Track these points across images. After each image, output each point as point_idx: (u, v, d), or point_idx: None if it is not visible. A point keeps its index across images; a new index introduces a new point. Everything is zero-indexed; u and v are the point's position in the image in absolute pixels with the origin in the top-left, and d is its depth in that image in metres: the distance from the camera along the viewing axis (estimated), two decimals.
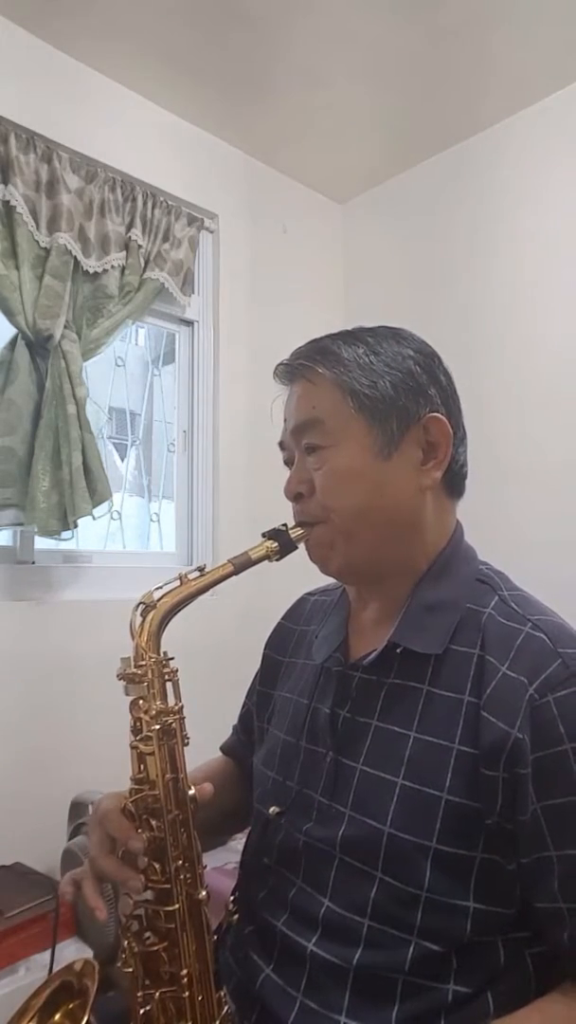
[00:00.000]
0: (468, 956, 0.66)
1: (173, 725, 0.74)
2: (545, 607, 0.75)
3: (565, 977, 0.66)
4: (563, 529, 1.96)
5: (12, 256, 1.74)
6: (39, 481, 1.70)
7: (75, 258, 1.85)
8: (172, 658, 0.76)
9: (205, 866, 0.74)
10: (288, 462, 0.82)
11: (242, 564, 0.76)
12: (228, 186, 2.33)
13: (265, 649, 0.98)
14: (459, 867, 0.65)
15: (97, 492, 1.78)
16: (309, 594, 0.99)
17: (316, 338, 0.81)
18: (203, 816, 0.75)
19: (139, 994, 0.70)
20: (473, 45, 1.91)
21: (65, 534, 1.77)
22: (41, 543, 1.84)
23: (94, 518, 1.79)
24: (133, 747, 0.74)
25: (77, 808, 1.62)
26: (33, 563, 1.83)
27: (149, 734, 0.72)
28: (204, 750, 0.96)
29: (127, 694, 0.75)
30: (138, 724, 0.74)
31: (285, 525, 0.79)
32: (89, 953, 1.34)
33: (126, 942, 0.71)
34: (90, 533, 1.99)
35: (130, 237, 1.99)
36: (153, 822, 0.71)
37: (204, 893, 0.72)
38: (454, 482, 0.81)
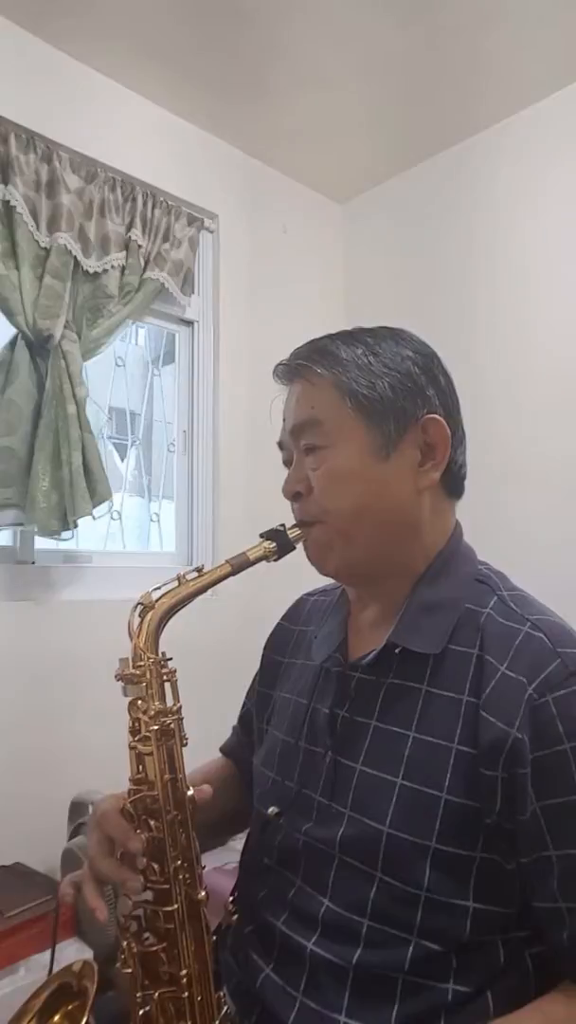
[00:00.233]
0: (468, 956, 0.66)
1: (171, 725, 0.74)
2: (544, 607, 0.75)
3: (565, 977, 0.66)
4: (562, 529, 1.96)
5: (12, 256, 1.74)
6: (39, 481, 1.70)
7: (75, 258, 1.85)
8: (170, 659, 0.76)
9: (204, 866, 0.74)
10: (287, 462, 0.82)
11: (240, 564, 0.76)
12: (228, 186, 2.33)
13: (264, 650, 0.98)
14: (459, 867, 0.65)
15: (97, 492, 1.78)
16: (308, 595, 0.99)
17: (316, 338, 0.81)
18: (203, 818, 0.75)
19: (138, 995, 0.70)
20: (472, 45, 1.91)
21: (65, 534, 1.77)
22: (41, 543, 1.84)
23: (94, 518, 1.79)
24: (132, 747, 0.74)
25: (77, 808, 1.62)
26: (33, 563, 1.83)
27: (148, 734, 0.72)
28: (203, 750, 0.96)
29: (125, 695, 0.74)
30: (136, 724, 0.74)
31: (283, 525, 0.79)
32: (89, 953, 1.34)
33: (125, 943, 0.71)
34: (90, 533, 1.99)
35: (130, 237, 1.99)
36: (152, 822, 0.71)
37: (203, 893, 0.72)
38: (453, 483, 0.80)
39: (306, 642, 0.90)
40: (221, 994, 0.74)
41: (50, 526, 1.71)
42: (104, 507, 1.82)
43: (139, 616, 0.75)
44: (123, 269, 1.97)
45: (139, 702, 0.74)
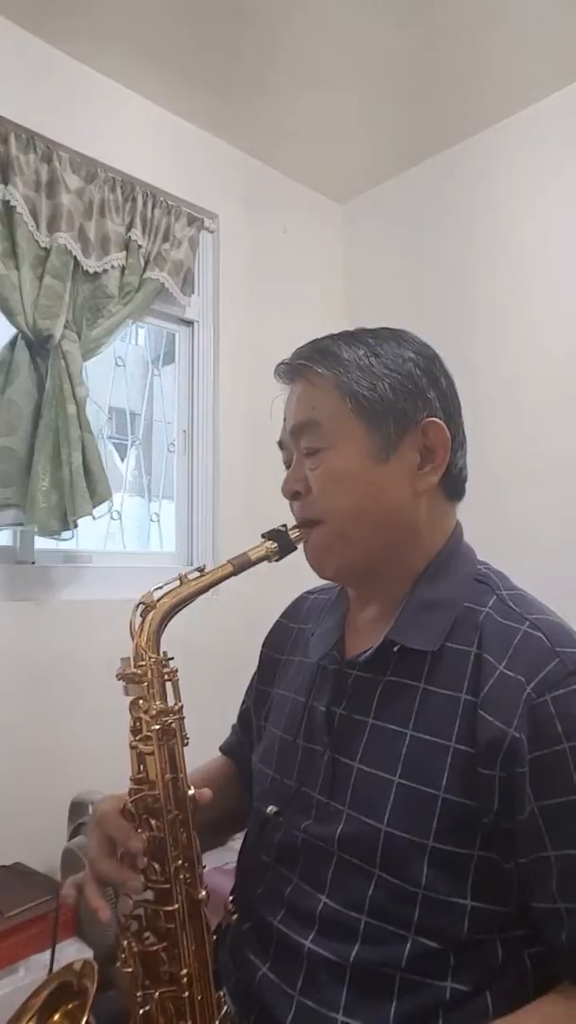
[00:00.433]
0: (466, 954, 0.66)
1: (173, 725, 0.74)
2: (543, 606, 0.75)
3: (564, 978, 0.66)
4: (562, 529, 1.96)
5: (12, 256, 1.74)
6: (39, 481, 1.70)
7: (75, 258, 1.85)
8: (172, 658, 0.76)
9: (205, 866, 0.74)
10: (287, 462, 0.82)
11: (242, 564, 0.76)
12: (228, 186, 2.33)
13: (263, 647, 0.98)
14: (456, 865, 0.65)
15: (97, 492, 1.78)
16: (308, 592, 1.00)
17: (317, 338, 0.81)
18: (203, 817, 0.75)
19: (139, 994, 0.70)
20: (472, 45, 1.91)
21: (65, 534, 1.77)
22: (41, 543, 1.84)
23: (94, 518, 1.79)
24: (133, 747, 0.74)
25: (77, 808, 1.62)
26: (33, 563, 1.83)
27: (149, 734, 0.72)
28: (204, 750, 0.96)
29: (127, 694, 0.74)
30: (138, 724, 0.74)
31: (285, 526, 0.79)
32: (89, 953, 1.34)
33: (126, 942, 0.71)
34: (90, 533, 1.99)
35: (130, 237, 1.99)
36: (153, 822, 0.71)
37: (204, 893, 0.72)
38: (453, 486, 0.80)
39: (304, 640, 0.90)
40: (221, 994, 0.74)
41: (50, 526, 1.71)
42: (104, 507, 1.82)
43: (140, 616, 0.75)
44: (123, 269, 1.97)
45: (140, 701, 0.74)
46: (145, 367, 2.32)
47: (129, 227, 2.00)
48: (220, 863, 1.39)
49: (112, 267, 1.93)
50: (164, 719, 0.73)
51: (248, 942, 0.77)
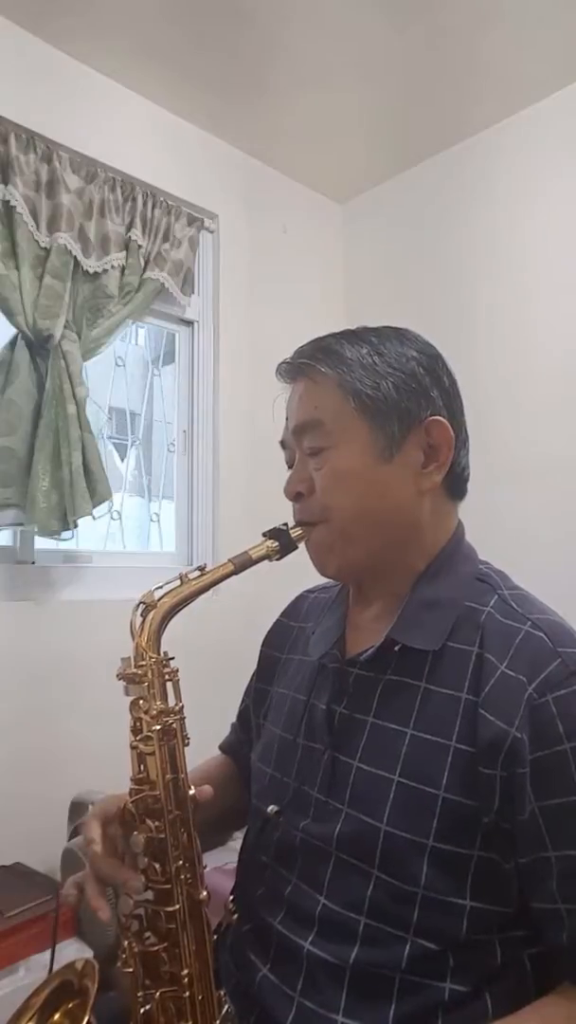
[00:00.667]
0: (465, 955, 0.66)
1: (173, 725, 0.74)
2: (545, 606, 0.75)
3: (564, 979, 0.66)
4: (562, 529, 1.96)
5: (12, 256, 1.74)
6: (39, 481, 1.70)
7: (75, 258, 1.85)
8: (172, 658, 0.76)
9: (205, 866, 0.74)
10: (290, 462, 0.82)
11: (243, 563, 0.76)
12: (228, 186, 2.33)
13: (262, 646, 0.98)
14: (456, 865, 0.65)
15: (97, 492, 1.78)
16: (308, 591, 0.99)
17: (320, 337, 0.80)
18: (203, 816, 0.75)
19: (139, 994, 0.70)
20: (472, 46, 1.91)
21: (65, 534, 1.77)
22: (41, 543, 1.84)
23: (94, 518, 1.79)
24: (133, 747, 0.74)
25: (77, 808, 1.61)
26: (33, 563, 1.83)
27: (149, 734, 0.72)
28: (204, 750, 0.96)
29: (127, 694, 0.74)
30: (138, 724, 0.74)
31: (286, 524, 0.79)
32: (89, 953, 1.34)
33: (126, 942, 0.70)
34: (90, 533, 1.99)
35: (130, 237, 1.99)
36: (153, 822, 0.71)
37: (205, 893, 0.72)
38: (455, 485, 0.80)
39: (304, 638, 0.90)
40: (222, 993, 0.74)
41: (50, 526, 1.71)
42: (104, 507, 1.82)
43: (141, 615, 0.75)
44: (123, 269, 1.97)
45: (141, 701, 0.74)
46: (145, 367, 2.32)
47: (129, 227, 2.00)
48: (220, 863, 1.39)
49: (112, 267, 1.93)
50: (165, 719, 0.73)
51: (248, 943, 0.76)
